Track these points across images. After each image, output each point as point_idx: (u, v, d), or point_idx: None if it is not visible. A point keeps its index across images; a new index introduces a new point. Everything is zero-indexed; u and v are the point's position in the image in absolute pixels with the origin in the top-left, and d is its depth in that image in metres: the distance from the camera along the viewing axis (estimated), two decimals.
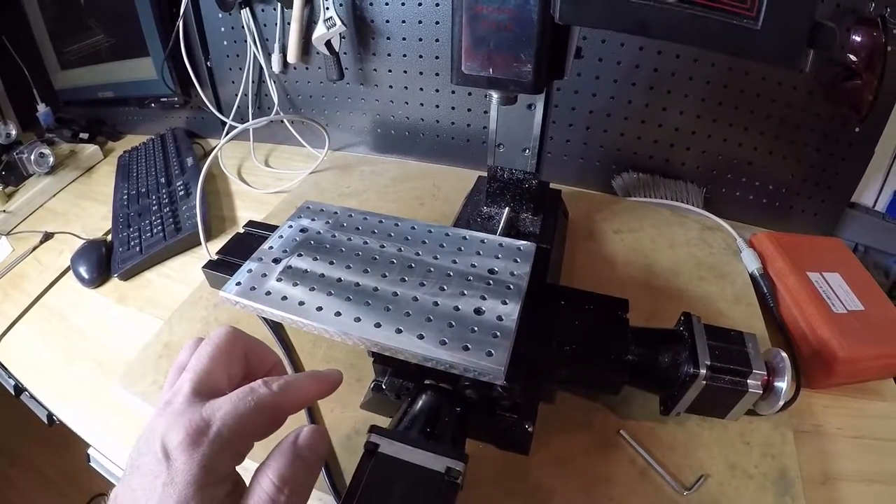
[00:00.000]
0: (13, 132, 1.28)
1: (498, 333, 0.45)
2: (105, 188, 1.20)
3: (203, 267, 0.62)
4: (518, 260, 0.53)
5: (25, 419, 0.82)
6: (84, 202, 1.20)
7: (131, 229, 0.99)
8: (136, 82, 1.30)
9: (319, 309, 0.48)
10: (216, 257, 0.63)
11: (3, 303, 0.93)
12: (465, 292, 0.49)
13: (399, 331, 0.45)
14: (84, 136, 1.41)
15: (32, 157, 1.21)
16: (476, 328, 0.45)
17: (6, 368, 0.81)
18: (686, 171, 0.96)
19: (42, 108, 1.41)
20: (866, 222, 0.89)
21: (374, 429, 0.41)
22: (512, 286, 0.50)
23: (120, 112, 1.47)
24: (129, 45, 1.24)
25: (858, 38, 0.74)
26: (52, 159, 1.24)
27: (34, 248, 1.05)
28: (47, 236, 1.07)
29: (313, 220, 0.61)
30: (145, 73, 1.25)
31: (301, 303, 0.49)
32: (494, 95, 0.54)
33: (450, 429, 0.46)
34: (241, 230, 0.68)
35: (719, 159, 0.92)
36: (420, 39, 0.97)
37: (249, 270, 0.54)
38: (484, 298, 0.48)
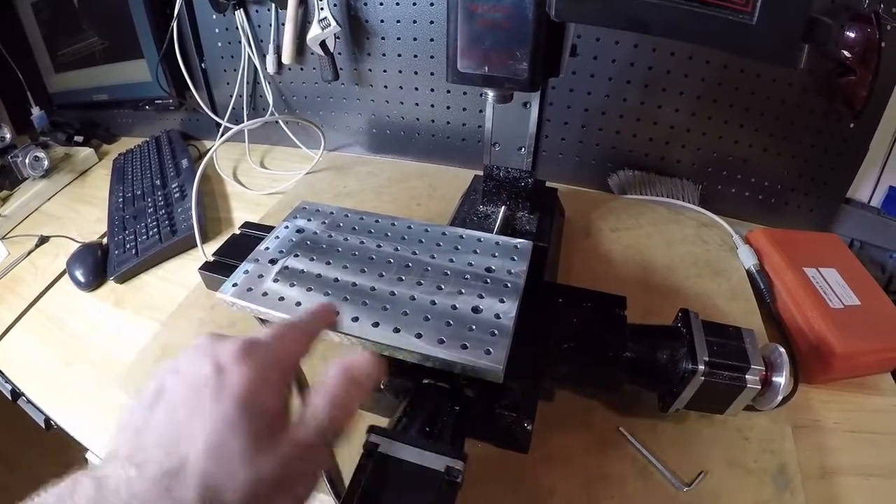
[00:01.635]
0: (7, 136, 1.26)
1: (496, 332, 0.45)
2: (100, 191, 1.19)
3: (199, 269, 0.62)
4: (515, 258, 0.53)
5: (23, 424, 0.81)
6: (79, 205, 1.19)
7: (127, 232, 0.98)
8: (131, 85, 1.29)
9: None
10: (212, 259, 0.63)
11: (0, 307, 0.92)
12: (463, 291, 0.49)
13: (397, 330, 0.45)
14: (78, 139, 1.40)
15: (27, 161, 1.20)
16: (474, 326, 0.45)
17: (2, 373, 0.81)
18: (682, 168, 0.96)
19: (36, 112, 1.40)
20: (862, 217, 0.89)
21: (373, 429, 0.41)
22: (509, 284, 0.50)
23: (114, 115, 1.47)
24: (124, 47, 1.24)
25: (852, 34, 0.74)
26: (46, 163, 1.23)
27: (30, 252, 1.04)
28: (43, 240, 1.07)
29: (309, 220, 0.60)
30: (140, 75, 1.24)
31: (298, 303, 0.49)
32: (490, 94, 0.54)
33: (449, 428, 0.46)
34: (237, 231, 0.68)
35: (715, 156, 0.92)
36: (415, 39, 0.97)
37: (246, 272, 0.53)
38: (481, 297, 0.48)
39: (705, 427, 0.58)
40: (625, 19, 0.37)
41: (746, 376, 0.49)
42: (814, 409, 0.64)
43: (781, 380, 0.49)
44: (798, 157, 0.87)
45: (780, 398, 0.50)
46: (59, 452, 0.75)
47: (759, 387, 0.49)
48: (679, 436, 0.57)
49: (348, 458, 0.54)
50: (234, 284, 0.52)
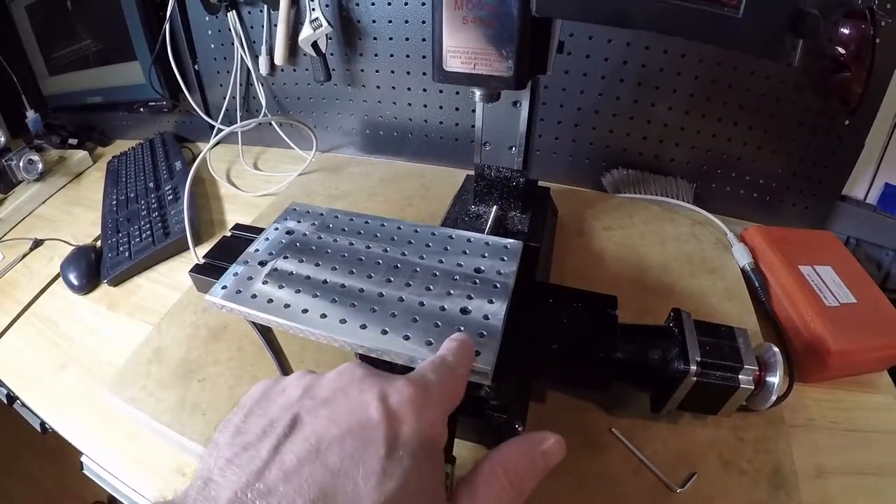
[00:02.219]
0: (2, 139, 1.27)
1: (485, 333, 0.44)
2: (94, 194, 1.20)
3: (189, 271, 0.62)
4: (505, 258, 0.53)
5: (19, 428, 0.81)
6: (74, 208, 1.20)
7: (120, 235, 0.98)
8: (125, 87, 1.29)
9: (305, 311, 0.47)
10: (203, 261, 0.63)
11: None
12: (452, 292, 0.49)
13: (385, 332, 0.45)
14: (73, 141, 1.41)
15: (21, 164, 1.20)
16: (462, 328, 0.45)
17: None
18: (676, 166, 0.96)
19: (31, 114, 1.41)
20: (857, 215, 0.89)
21: None
22: (499, 285, 0.50)
23: (109, 117, 1.47)
24: (117, 49, 1.24)
25: (847, 31, 0.74)
26: (41, 166, 1.23)
27: (24, 256, 1.05)
28: (37, 243, 1.07)
29: (299, 221, 0.60)
30: (133, 77, 1.24)
31: (287, 305, 0.49)
32: (477, 93, 0.53)
33: None
34: (228, 234, 0.67)
35: (709, 154, 0.92)
36: (407, 39, 0.97)
37: (235, 274, 0.53)
38: (470, 298, 0.48)
39: (699, 427, 0.58)
40: (607, 13, 0.37)
41: (740, 376, 0.49)
42: (809, 408, 0.64)
43: (775, 379, 0.49)
44: (793, 154, 0.87)
45: (774, 398, 0.49)
46: (56, 456, 0.75)
47: (753, 387, 0.49)
48: (672, 436, 0.57)
49: None
50: (224, 287, 0.51)
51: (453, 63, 0.49)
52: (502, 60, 0.47)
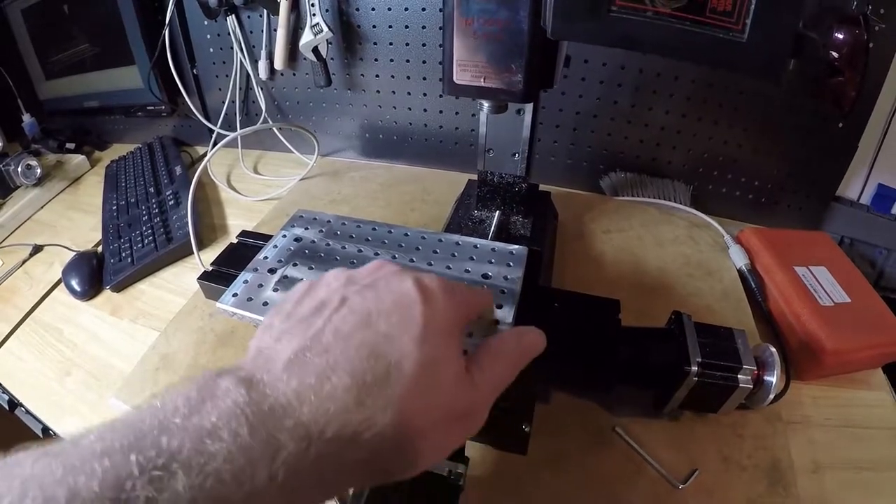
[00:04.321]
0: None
1: None
2: (94, 198, 1.19)
3: (198, 278, 0.62)
4: (511, 264, 0.54)
5: (20, 434, 0.81)
6: (73, 213, 1.19)
7: (122, 240, 0.98)
8: (122, 91, 1.29)
9: None
10: (210, 268, 0.63)
11: None
12: None
13: None
14: (70, 146, 1.40)
15: (19, 170, 1.19)
16: (472, 333, 0.46)
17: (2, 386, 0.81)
18: (673, 169, 0.97)
19: (27, 119, 1.40)
20: (852, 215, 0.90)
21: None
22: (506, 290, 0.51)
23: (106, 121, 1.46)
24: (115, 53, 1.23)
25: (841, 36, 0.75)
26: (39, 171, 1.22)
27: (24, 262, 1.04)
28: (37, 249, 1.06)
29: (307, 228, 0.61)
30: (131, 81, 1.24)
31: None
32: (485, 104, 0.54)
33: None
34: (235, 240, 0.68)
35: (705, 157, 0.93)
36: (407, 44, 0.98)
37: (245, 281, 0.54)
38: None
39: (699, 425, 0.59)
40: (619, 38, 0.38)
41: (738, 376, 0.50)
42: (805, 406, 0.65)
43: (773, 378, 0.51)
44: (788, 156, 0.88)
45: (772, 396, 0.51)
46: None
47: (752, 386, 0.50)
48: (674, 434, 0.58)
49: None
50: (234, 294, 0.52)
51: (463, 76, 0.50)
52: (512, 75, 0.48)
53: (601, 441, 0.58)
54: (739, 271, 0.79)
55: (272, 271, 0.55)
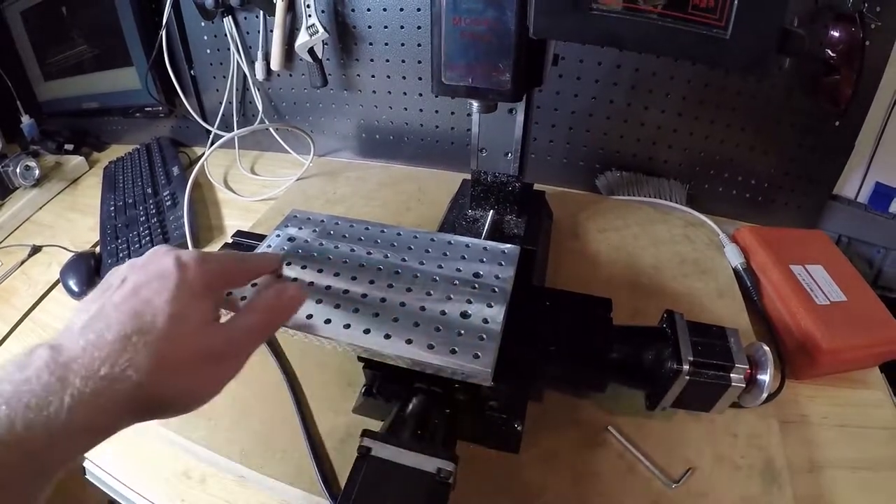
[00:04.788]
0: None
1: (484, 336, 0.45)
2: (92, 199, 1.19)
3: None
4: (503, 263, 0.54)
5: None
6: (71, 214, 1.19)
7: (119, 241, 0.98)
8: (120, 92, 1.29)
9: (309, 317, 0.48)
10: None
11: None
12: (452, 296, 0.50)
13: (388, 336, 0.46)
14: (69, 147, 1.40)
15: (18, 170, 1.19)
16: (462, 331, 0.46)
17: None
18: (669, 168, 0.97)
19: (26, 120, 1.39)
20: (849, 213, 0.90)
21: (366, 433, 0.42)
22: (497, 289, 0.51)
23: (104, 122, 1.46)
24: (113, 55, 1.23)
25: (836, 34, 0.75)
26: (37, 172, 1.22)
27: (22, 262, 1.04)
28: (35, 249, 1.06)
29: (301, 228, 0.61)
30: (129, 83, 1.24)
31: None
32: (475, 104, 0.54)
33: (440, 430, 0.47)
34: (230, 240, 0.68)
35: (702, 156, 0.93)
36: (402, 44, 0.98)
37: None
38: (470, 302, 0.49)
39: (693, 424, 0.59)
40: (600, 35, 0.38)
41: (731, 375, 0.50)
42: (801, 405, 0.65)
43: (766, 377, 0.50)
44: (784, 155, 0.88)
45: (765, 395, 0.50)
46: None
47: (744, 385, 0.50)
48: (667, 433, 0.58)
49: (342, 461, 0.56)
50: (228, 294, 0.52)
51: (452, 76, 0.50)
52: (500, 74, 0.48)
53: (594, 440, 0.58)
54: (735, 270, 0.79)
55: None
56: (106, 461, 0.67)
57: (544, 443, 0.57)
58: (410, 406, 0.49)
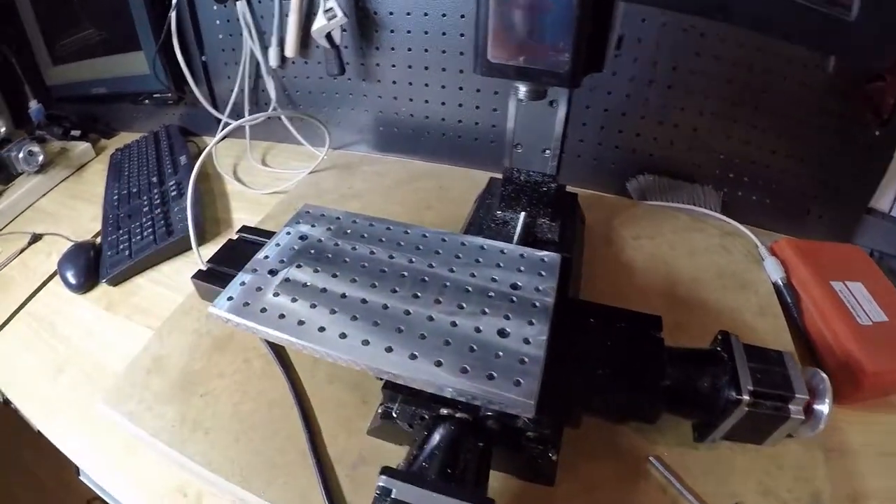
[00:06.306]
0: (2, 129, 1.25)
1: (525, 359, 0.40)
2: (97, 187, 1.17)
3: (192, 277, 0.58)
4: (543, 273, 0.49)
5: (18, 425, 0.78)
6: (75, 202, 1.16)
7: (121, 232, 0.95)
8: (129, 77, 1.26)
9: (322, 329, 0.43)
10: (206, 267, 0.58)
11: None
12: (487, 311, 0.45)
13: (413, 356, 0.41)
14: (76, 133, 1.38)
15: (21, 156, 1.17)
16: (500, 353, 0.41)
17: None
18: (704, 173, 0.92)
19: (34, 105, 1.38)
20: (883, 228, 0.85)
21: (386, 470, 0.36)
22: (538, 304, 0.45)
23: (114, 108, 1.43)
24: (122, 39, 1.20)
25: None
26: (41, 157, 1.20)
27: (21, 251, 1.02)
28: (35, 238, 1.04)
29: (313, 225, 0.56)
30: (138, 67, 1.21)
31: (301, 322, 0.45)
32: (522, 88, 0.49)
33: (472, 467, 0.41)
34: (235, 236, 0.63)
35: (737, 162, 0.89)
36: (426, 32, 0.93)
37: (242, 283, 0.49)
38: (507, 318, 0.44)
39: (738, 455, 0.54)
40: (704, 3, 0.32)
41: (790, 406, 0.45)
42: (842, 431, 0.61)
43: (825, 408, 0.45)
44: (821, 164, 0.83)
45: (822, 428, 0.46)
46: (57, 454, 0.73)
47: (803, 417, 0.45)
48: (711, 465, 0.54)
49: (354, 489, 0.51)
50: (230, 298, 0.47)
51: (499, 54, 0.44)
52: (557, 53, 0.42)
53: (634, 471, 0.53)
54: (774, 285, 0.75)
55: (273, 273, 0.50)
56: (98, 472, 0.63)
57: (582, 473, 0.52)
58: (437, 437, 0.43)
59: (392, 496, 0.35)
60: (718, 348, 0.50)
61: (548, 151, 0.61)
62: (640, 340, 0.50)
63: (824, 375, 0.47)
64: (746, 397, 0.45)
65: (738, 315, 0.70)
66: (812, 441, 0.54)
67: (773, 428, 0.47)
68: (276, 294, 0.48)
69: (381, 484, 0.35)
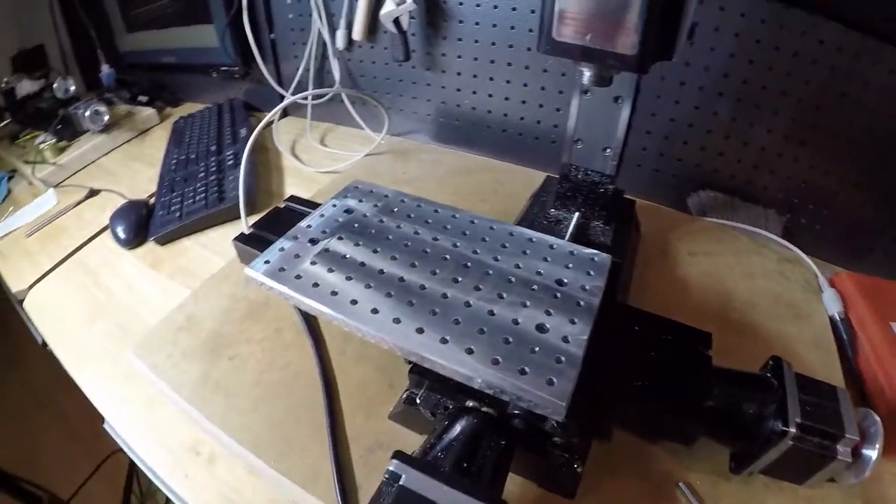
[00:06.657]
0: (72, 88, 1.32)
1: (563, 358, 0.38)
2: (157, 151, 1.20)
3: (234, 239, 0.58)
4: (591, 272, 0.47)
5: (54, 367, 0.81)
6: (135, 163, 1.20)
7: (174, 194, 0.97)
8: (199, 49, 1.29)
9: (354, 302, 0.42)
10: (249, 231, 0.58)
11: (39, 254, 0.93)
12: (528, 303, 0.43)
13: (444, 340, 0.39)
14: (143, 98, 1.43)
15: (87, 114, 1.22)
16: (537, 348, 0.39)
17: (32, 321, 0.81)
18: (768, 196, 0.87)
19: (105, 69, 1.44)
20: None
21: (398, 455, 0.34)
22: (582, 302, 0.43)
23: (181, 79, 1.48)
24: (194, 11, 1.24)
25: None
26: (107, 118, 1.25)
27: (78, 203, 1.06)
28: (92, 192, 1.08)
29: (361, 201, 0.55)
30: (208, 40, 1.24)
31: (334, 292, 0.44)
32: (586, 72, 0.46)
33: (489, 465, 0.39)
34: (281, 205, 0.63)
35: (803, 186, 0.84)
36: (494, 25, 0.92)
37: (282, 249, 0.49)
38: (549, 314, 0.42)
39: (773, 494, 0.51)
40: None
41: (838, 446, 0.42)
42: (884, 483, 0.56)
43: (873, 454, 0.42)
44: (891, 197, 0.78)
45: (867, 475, 0.42)
46: (87, 402, 0.75)
47: (850, 459, 0.42)
48: (744, 499, 0.50)
49: (366, 473, 0.50)
50: (267, 261, 0.47)
51: (565, 32, 0.42)
52: (626, 34, 0.40)
53: (661, 495, 0.50)
54: (831, 318, 0.71)
55: (314, 242, 0.49)
56: (119, 422, 0.64)
57: (605, 490, 0.50)
58: (458, 428, 0.42)
59: (400, 482, 0.33)
60: (769, 374, 0.47)
61: (608, 150, 0.59)
62: (687, 355, 0.47)
63: (877, 418, 0.43)
64: (793, 430, 0.41)
65: (789, 345, 0.66)
66: (854, 489, 0.51)
67: (817, 467, 0.43)
68: (313, 263, 0.47)
69: (391, 468, 0.34)
